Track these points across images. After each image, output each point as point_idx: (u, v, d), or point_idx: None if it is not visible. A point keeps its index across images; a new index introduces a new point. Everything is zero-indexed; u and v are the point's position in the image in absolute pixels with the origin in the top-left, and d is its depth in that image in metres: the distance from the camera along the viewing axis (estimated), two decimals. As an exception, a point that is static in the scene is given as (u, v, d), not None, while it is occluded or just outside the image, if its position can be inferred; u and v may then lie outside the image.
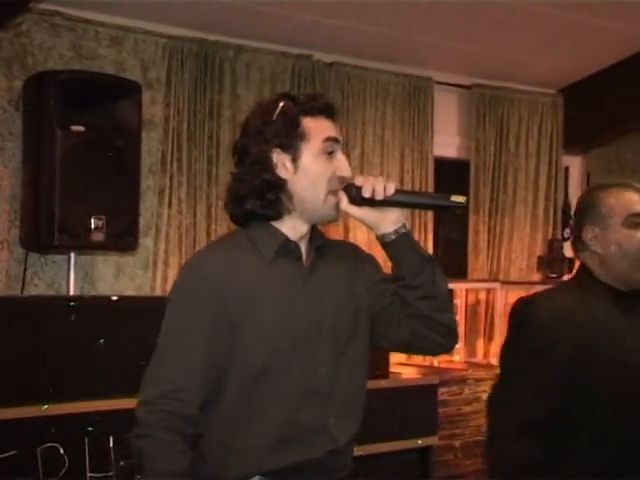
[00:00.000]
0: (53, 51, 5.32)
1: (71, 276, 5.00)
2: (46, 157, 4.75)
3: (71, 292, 4.97)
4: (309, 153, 2.34)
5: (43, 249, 5.05)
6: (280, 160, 2.32)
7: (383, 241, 2.42)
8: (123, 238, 4.92)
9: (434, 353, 2.67)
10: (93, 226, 4.72)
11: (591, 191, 2.91)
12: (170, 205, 5.62)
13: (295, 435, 2.27)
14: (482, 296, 6.99)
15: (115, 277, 5.49)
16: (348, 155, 6.30)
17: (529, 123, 7.29)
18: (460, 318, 6.63)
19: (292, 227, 2.37)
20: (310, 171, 2.33)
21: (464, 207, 2.36)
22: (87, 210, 4.70)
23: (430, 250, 6.71)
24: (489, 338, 6.95)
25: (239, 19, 5.64)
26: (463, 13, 5.76)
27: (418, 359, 6.51)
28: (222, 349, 2.25)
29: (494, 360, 6.53)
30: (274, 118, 2.34)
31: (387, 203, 2.33)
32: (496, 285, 6.72)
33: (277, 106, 2.36)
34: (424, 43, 6.28)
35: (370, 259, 2.60)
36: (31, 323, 3.82)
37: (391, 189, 2.32)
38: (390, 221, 2.38)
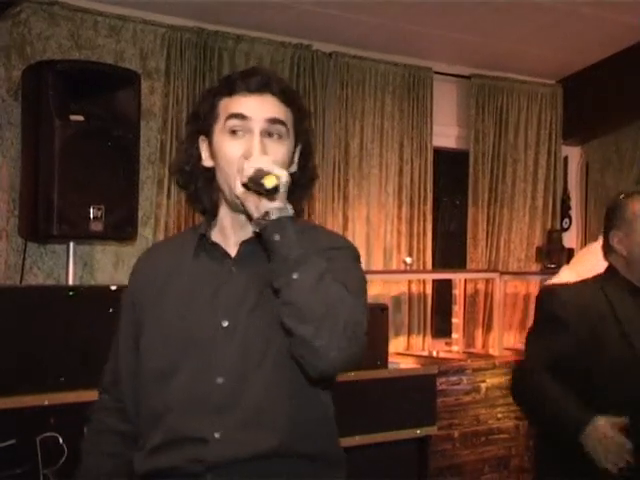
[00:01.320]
0: (52, 40, 5.31)
1: (70, 266, 5.01)
2: (45, 147, 4.74)
3: (70, 282, 4.97)
4: (217, 134, 2.13)
5: (42, 239, 5.05)
6: (204, 148, 2.18)
7: (254, 232, 2.07)
8: (122, 228, 4.92)
9: (311, 376, 2.08)
10: (92, 216, 4.72)
11: (617, 198, 3.17)
12: (169, 195, 5.62)
13: (172, 442, 2.09)
14: (481, 286, 6.99)
15: (114, 267, 5.49)
16: (347, 145, 6.31)
17: (528, 113, 7.29)
18: (459, 308, 6.64)
19: (223, 218, 2.20)
20: (218, 154, 2.13)
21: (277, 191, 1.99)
22: (86, 200, 4.70)
23: (429, 241, 6.73)
24: (488, 328, 6.96)
25: (238, 9, 5.63)
26: (462, 3, 5.76)
27: (417, 349, 6.54)
28: (136, 345, 2.24)
29: (492, 350, 6.56)
30: (199, 105, 2.21)
31: (248, 186, 2.01)
32: (495, 275, 6.73)
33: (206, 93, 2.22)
34: (423, 33, 6.27)
35: (333, 253, 2.14)
36: (30, 313, 3.82)
37: (247, 170, 2.00)
38: (262, 207, 2.01)
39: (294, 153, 2.19)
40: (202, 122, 2.16)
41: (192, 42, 5.73)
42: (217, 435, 2.05)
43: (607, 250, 3.18)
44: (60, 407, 3.71)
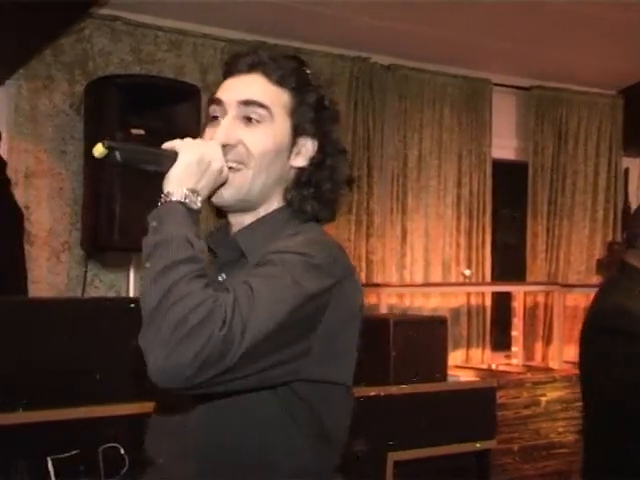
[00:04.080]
0: (113, 55, 5.39)
1: (131, 278, 5.06)
2: (106, 160, 4.79)
3: (131, 294, 5.02)
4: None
5: (103, 251, 5.11)
6: None
7: None
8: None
9: None
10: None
11: None
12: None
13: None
14: (540, 299, 6.94)
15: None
16: (405, 157, 6.30)
17: (588, 125, 7.23)
18: (518, 321, 6.59)
19: (231, 216, 1.96)
20: None
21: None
22: (147, 212, 4.72)
23: (487, 254, 6.70)
24: (547, 341, 6.91)
25: (296, 22, 5.66)
26: (521, 15, 5.73)
27: (476, 362, 6.50)
28: None
29: (552, 363, 6.50)
30: None
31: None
32: (554, 288, 6.67)
33: None
34: (482, 45, 6.25)
35: (273, 256, 1.74)
36: (92, 325, 3.86)
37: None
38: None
39: (294, 142, 1.91)
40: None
41: (251, 56, 5.76)
42: (160, 461, 1.91)
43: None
44: (121, 418, 3.74)
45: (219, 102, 1.89)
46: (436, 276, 6.44)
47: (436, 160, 6.54)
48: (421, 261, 6.32)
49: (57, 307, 3.95)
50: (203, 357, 1.54)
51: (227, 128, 1.86)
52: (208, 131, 1.91)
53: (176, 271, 1.61)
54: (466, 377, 5.58)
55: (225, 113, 1.88)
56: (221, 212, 1.96)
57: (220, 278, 1.89)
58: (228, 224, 1.96)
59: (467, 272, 6.27)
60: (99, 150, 1.75)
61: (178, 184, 1.75)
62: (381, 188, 6.21)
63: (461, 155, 6.66)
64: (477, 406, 4.98)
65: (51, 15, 4.14)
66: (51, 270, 5.20)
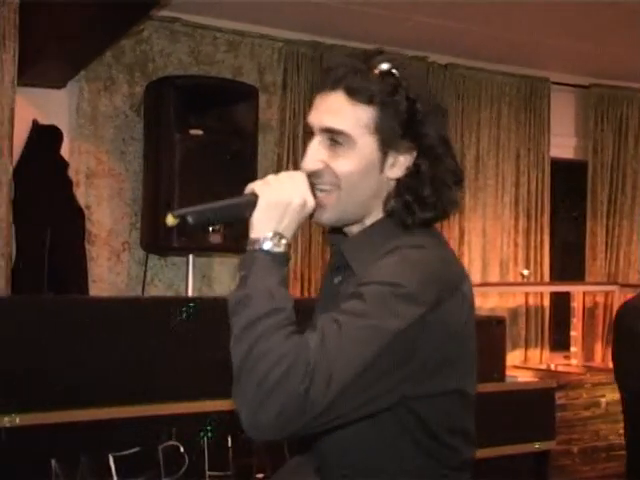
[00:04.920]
0: (172, 57, 5.44)
1: (189, 277, 5.10)
2: (165, 160, 4.85)
3: (189, 293, 5.06)
4: None
5: (163, 251, 5.16)
6: None
7: None
8: (241, 240, 4.97)
9: None
10: (211, 228, 4.79)
11: None
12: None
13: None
14: (600, 299, 6.87)
15: (232, 279, 5.56)
16: (463, 157, 6.28)
17: (649, 123, 7.15)
18: (577, 321, 6.54)
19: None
20: None
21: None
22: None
23: (546, 253, 6.65)
24: (607, 342, 6.83)
25: (353, 22, 5.66)
26: (579, 12, 5.67)
27: (535, 362, 6.45)
28: None
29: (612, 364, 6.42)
30: None
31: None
32: (614, 288, 6.60)
33: None
34: (540, 43, 6.20)
35: (361, 288, 1.72)
36: (151, 324, 3.90)
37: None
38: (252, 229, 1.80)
39: (385, 156, 1.84)
40: None
41: (308, 56, 5.79)
42: None
43: None
44: (181, 417, 3.77)
45: (311, 129, 1.87)
46: (494, 276, 6.41)
47: (494, 160, 6.51)
48: (479, 261, 6.29)
49: (117, 306, 3.99)
50: (285, 415, 1.56)
51: (313, 155, 1.85)
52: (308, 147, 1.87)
53: (257, 327, 1.63)
54: (524, 377, 5.54)
55: (313, 135, 1.86)
56: None
57: (336, 280, 1.92)
58: None
59: (525, 272, 6.23)
60: (170, 220, 1.75)
61: (260, 230, 1.76)
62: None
63: (519, 154, 6.62)
64: (536, 407, 4.95)
65: (112, 17, 4.19)
66: (111, 269, 5.26)
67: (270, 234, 1.74)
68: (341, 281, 1.91)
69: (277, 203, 1.76)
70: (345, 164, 1.82)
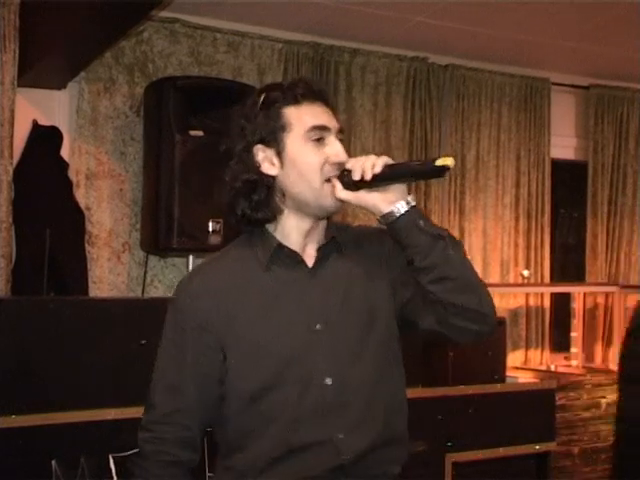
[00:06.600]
0: (173, 57, 5.44)
1: (190, 278, 5.08)
2: (165, 161, 4.84)
3: (190, 294, 5.04)
4: (293, 144, 2.15)
5: (163, 252, 5.15)
6: (265, 156, 2.17)
7: (385, 223, 2.13)
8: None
9: (466, 340, 2.27)
10: (211, 229, 4.79)
11: None
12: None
13: (292, 455, 2.09)
14: (600, 300, 6.87)
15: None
16: (463, 157, 6.28)
17: (649, 123, 7.15)
18: (578, 322, 6.53)
19: (294, 226, 2.19)
20: (297, 162, 2.14)
21: (449, 170, 2.08)
22: (205, 213, 4.76)
23: (546, 254, 6.65)
24: (607, 343, 6.83)
25: (354, 23, 5.66)
26: (579, 12, 5.67)
27: (535, 363, 6.45)
28: (214, 368, 2.15)
29: (613, 365, 6.42)
30: (255, 112, 2.20)
31: (380, 181, 2.10)
32: (615, 289, 6.60)
33: (259, 100, 2.22)
34: (540, 44, 6.20)
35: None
36: (151, 324, 3.89)
37: (378, 166, 2.08)
38: (389, 201, 2.11)
39: None
40: (263, 131, 2.17)
41: (309, 57, 5.79)
42: (341, 435, 2.10)
43: None
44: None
45: (325, 128, 2.17)
46: (494, 276, 6.41)
47: (494, 160, 6.51)
48: (479, 261, 6.29)
49: (118, 307, 3.99)
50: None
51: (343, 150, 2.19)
52: (320, 152, 2.15)
53: (463, 259, 2.21)
54: (525, 378, 5.54)
55: (324, 136, 2.17)
56: (268, 219, 2.22)
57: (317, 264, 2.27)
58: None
59: (526, 273, 6.22)
60: (449, 161, 2.06)
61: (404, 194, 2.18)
62: (439, 189, 6.19)
63: (519, 155, 6.62)
64: (536, 408, 4.95)
65: (112, 18, 4.18)
66: (112, 270, 5.26)
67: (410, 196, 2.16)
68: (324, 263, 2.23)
69: None
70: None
